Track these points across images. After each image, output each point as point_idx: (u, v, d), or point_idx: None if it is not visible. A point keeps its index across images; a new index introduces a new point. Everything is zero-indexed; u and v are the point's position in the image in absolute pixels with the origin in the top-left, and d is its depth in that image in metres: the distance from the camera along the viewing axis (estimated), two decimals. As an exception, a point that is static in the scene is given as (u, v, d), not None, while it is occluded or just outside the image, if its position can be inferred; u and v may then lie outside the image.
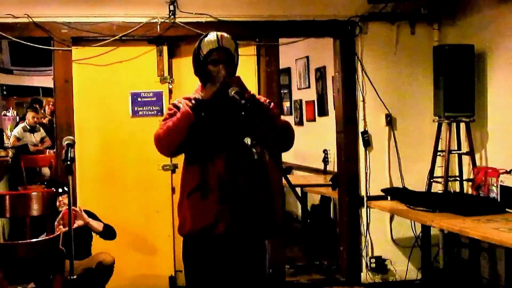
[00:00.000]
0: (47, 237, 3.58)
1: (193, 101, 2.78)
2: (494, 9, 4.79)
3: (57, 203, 4.30)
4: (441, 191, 4.97)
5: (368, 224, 5.29)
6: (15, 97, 12.42)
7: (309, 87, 7.65)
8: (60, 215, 4.01)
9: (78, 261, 4.15)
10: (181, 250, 2.96)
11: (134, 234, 5.10)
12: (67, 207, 4.08)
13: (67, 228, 3.87)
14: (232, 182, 2.81)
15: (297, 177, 7.38)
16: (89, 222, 4.34)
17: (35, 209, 3.76)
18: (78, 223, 4.21)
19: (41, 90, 11.90)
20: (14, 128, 8.59)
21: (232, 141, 2.85)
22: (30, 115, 8.22)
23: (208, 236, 2.83)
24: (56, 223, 4.07)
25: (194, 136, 2.77)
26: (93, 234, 4.50)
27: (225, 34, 2.91)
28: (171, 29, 4.94)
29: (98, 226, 4.40)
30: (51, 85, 4.97)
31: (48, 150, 7.98)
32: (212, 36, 2.88)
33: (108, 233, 4.45)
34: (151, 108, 5.04)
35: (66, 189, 4.23)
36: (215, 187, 2.81)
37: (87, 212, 4.42)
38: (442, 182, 4.95)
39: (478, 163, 4.86)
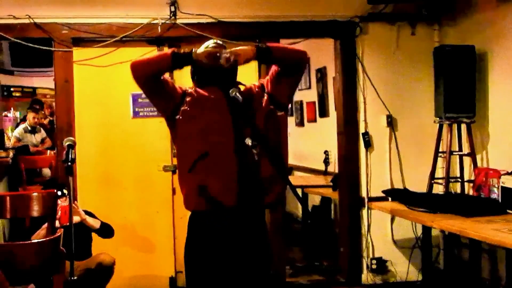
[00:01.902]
0: (47, 238, 3.58)
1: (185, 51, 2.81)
2: (494, 10, 4.78)
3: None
4: (442, 192, 4.96)
5: (368, 225, 5.29)
6: (15, 97, 12.41)
7: (309, 88, 7.64)
8: (57, 209, 4.00)
9: (78, 262, 4.16)
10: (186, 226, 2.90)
11: (134, 235, 5.10)
12: (63, 204, 4.11)
13: (59, 226, 3.89)
14: (239, 156, 2.74)
15: (297, 178, 7.37)
16: (86, 218, 4.33)
17: (35, 209, 3.74)
18: (75, 219, 4.18)
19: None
20: (15, 129, 8.59)
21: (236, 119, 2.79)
22: (30, 116, 8.22)
23: (214, 211, 2.77)
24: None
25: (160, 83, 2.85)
26: (93, 235, 4.50)
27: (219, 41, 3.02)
28: (172, 30, 4.94)
29: (95, 223, 4.40)
30: (52, 86, 4.96)
31: (48, 150, 7.98)
32: (207, 42, 2.98)
33: (106, 231, 4.45)
34: (152, 109, 5.01)
35: (65, 191, 4.22)
36: (220, 161, 2.75)
37: (85, 211, 4.41)
38: (443, 183, 4.95)
39: (479, 164, 4.85)
